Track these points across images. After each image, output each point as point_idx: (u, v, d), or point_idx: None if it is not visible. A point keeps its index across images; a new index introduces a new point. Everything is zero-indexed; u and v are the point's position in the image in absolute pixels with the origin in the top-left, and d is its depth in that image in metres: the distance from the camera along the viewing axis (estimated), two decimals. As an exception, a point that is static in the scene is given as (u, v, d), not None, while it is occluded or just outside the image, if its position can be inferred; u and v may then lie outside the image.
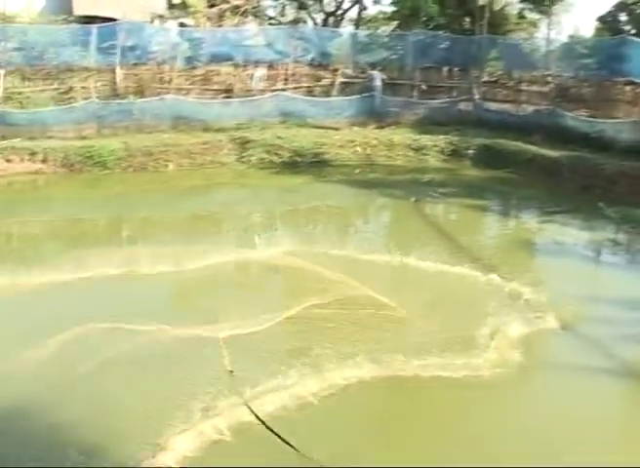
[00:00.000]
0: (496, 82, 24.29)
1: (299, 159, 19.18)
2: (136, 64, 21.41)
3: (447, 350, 8.08)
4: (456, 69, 24.17)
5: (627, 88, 22.00)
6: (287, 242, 12.02)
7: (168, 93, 20.40)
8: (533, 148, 19.56)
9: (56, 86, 20.26)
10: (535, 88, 23.79)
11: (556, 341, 9.10)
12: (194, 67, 21.69)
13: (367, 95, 22.08)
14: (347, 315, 9.06)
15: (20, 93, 19.66)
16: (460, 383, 7.54)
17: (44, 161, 17.79)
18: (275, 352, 8.08)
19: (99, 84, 20.37)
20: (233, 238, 12.88)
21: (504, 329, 9.01)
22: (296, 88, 22.19)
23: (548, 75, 24.07)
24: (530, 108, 22.87)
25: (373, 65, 23.69)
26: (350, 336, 8.42)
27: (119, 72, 20.59)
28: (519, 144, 19.90)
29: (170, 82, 20.87)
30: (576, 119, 21.01)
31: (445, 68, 24.41)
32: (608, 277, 11.86)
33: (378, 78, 22.70)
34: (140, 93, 20.43)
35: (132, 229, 14.29)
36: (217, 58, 22.03)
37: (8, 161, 17.64)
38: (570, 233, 14.31)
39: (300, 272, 10.79)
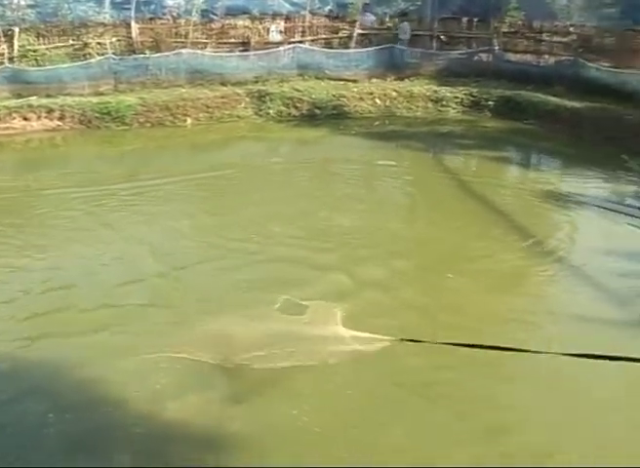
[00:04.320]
0: (516, 32, 23.84)
1: (317, 111, 19.03)
2: (151, 19, 21.17)
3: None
4: (475, 20, 23.70)
5: (651, 38, 21.63)
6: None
7: (184, 47, 20.14)
8: (554, 99, 19.31)
9: (71, 42, 20.05)
10: (556, 38, 23.36)
11: (571, 290, 9.12)
12: (210, 21, 21.38)
13: (386, 46, 21.77)
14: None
15: (35, 50, 19.47)
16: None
17: (61, 118, 17.74)
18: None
19: (114, 39, 20.14)
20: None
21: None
22: (313, 40, 21.86)
23: (570, 25, 23.66)
24: (551, 59, 22.51)
25: (391, 17, 23.32)
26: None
27: (134, 27, 20.33)
28: (540, 96, 19.64)
29: (186, 36, 20.59)
30: (598, 70, 20.62)
31: (464, 19, 23.94)
32: (628, 230, 11.66)
33: (408, 29, 22.48)
34: (156, 48, 20.19)
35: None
36: (233, 11, 21.71)
37: (25, 119, 17.61)
38: (592, 185, 14.17)
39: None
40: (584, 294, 8.95)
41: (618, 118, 17.82)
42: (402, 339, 5.69)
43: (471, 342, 6.53)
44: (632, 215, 12.22)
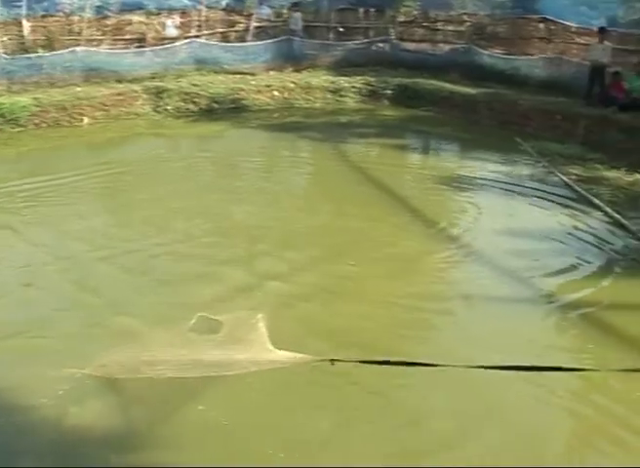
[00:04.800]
0: (412, 22, 24.29)
1: (216, 106, 18.79)
2: (44, 16, 20.59)
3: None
4: (372, 10, 23.98)
5: (541, 25, 22.43)
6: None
7: (78, 45, 19.65)
8: (450, 86, 19.88)
9: (-41, 43, 19.43)
10: (451, 27, 23.92)
11: (474, 272, 9.35)
12: (105, 17, 20.95)
13: (283, 38, 21.83)
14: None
15: None
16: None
17: (-48, 122, 17.14)
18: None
19: (5, 38, 19.55)
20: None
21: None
22: (210, 34, 21.71)
23: (464, 14, 24.29)
24: (446, 47, 23.08)
25: (289, 9, 23.37)
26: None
27: (26, 25, 19.78)
28: (436, 83, 20.18)
29: (80, 33, 20.13)
30: (492, 57, 21.38)
31: (361, 9, 24.19)
32: (528, 210, 12.09)
33: (299, 20, 22.58)
34: (49, 46, 19.60)
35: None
36: (128, 7, 21.30)
37: None
38: (490, 168, 14.57)
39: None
40: (489, 276, 9.15)
41: (511, 103, 18.46)
42: (332, 360, 5.47)
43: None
44: (530, 196, 12.68)
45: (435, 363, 5.49)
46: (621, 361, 7.05)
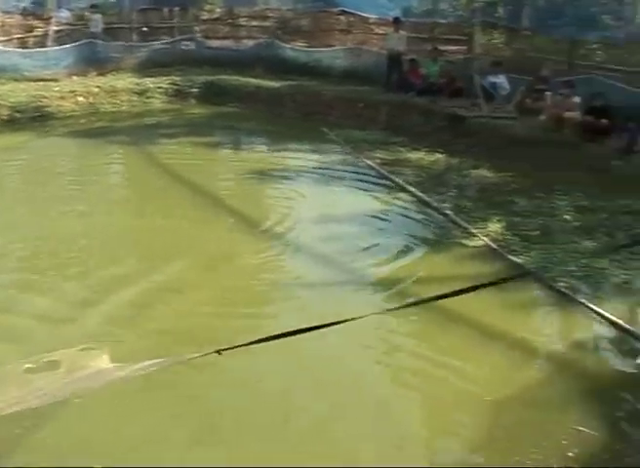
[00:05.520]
0: (217, 19, 24.63)
1: (18, 115, 17.88)
2: None
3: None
4: (176, 9, 24.05)
5: (341, 17, 23.46)
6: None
7: None
8: (254, 81, 20.51)
9: None
10: (255, 23, 24.49)
11: (295, 264, 9.58)
12: None
13: (85, 42, 21.34)
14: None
15: None
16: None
17: None
18: None
19: None
20: None
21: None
22: (7, 40, 20.88)
23: (268, 10, 25.02)
24: (250, 43, 23.54)
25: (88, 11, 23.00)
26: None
27: None
28: (241, 79, 20.74)
29: None
30: (294, 50, 22.13)
31: (165, 9, 24.21)
32: (338, 196, 12.54)
33: (99, 22, 22.30)
34: None
35: None
36: None
37: None
38: (301, 158, 15.13)
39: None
40: (311, 266, 9.33)
41: (314, 94, 19.28)
42: (218, 351, 5.04)
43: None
44: (342, 182, 13.27)
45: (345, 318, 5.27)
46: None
